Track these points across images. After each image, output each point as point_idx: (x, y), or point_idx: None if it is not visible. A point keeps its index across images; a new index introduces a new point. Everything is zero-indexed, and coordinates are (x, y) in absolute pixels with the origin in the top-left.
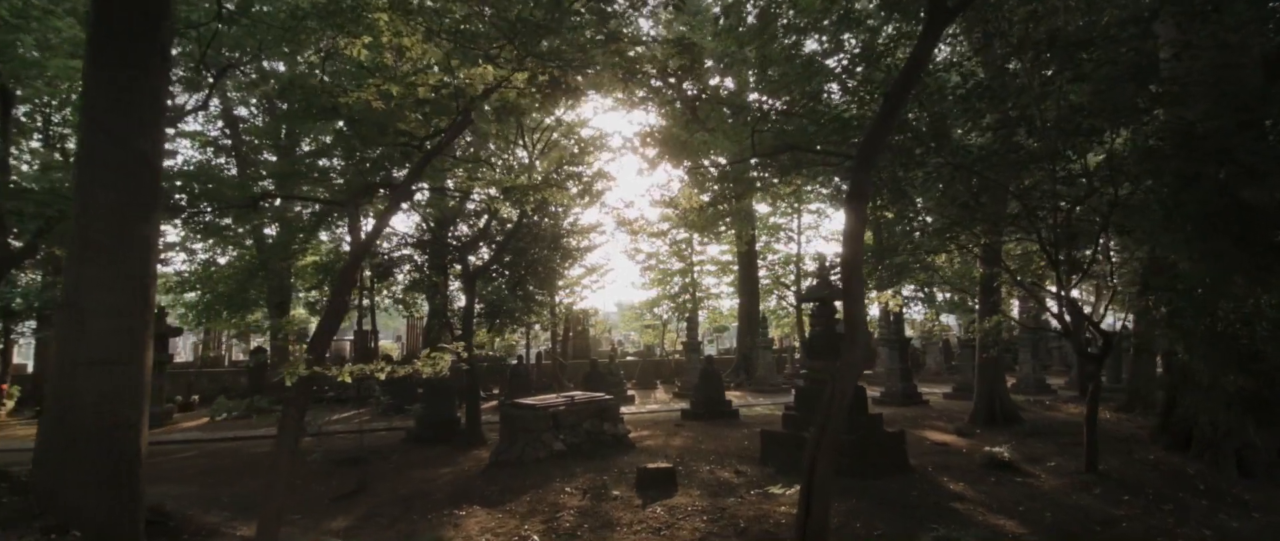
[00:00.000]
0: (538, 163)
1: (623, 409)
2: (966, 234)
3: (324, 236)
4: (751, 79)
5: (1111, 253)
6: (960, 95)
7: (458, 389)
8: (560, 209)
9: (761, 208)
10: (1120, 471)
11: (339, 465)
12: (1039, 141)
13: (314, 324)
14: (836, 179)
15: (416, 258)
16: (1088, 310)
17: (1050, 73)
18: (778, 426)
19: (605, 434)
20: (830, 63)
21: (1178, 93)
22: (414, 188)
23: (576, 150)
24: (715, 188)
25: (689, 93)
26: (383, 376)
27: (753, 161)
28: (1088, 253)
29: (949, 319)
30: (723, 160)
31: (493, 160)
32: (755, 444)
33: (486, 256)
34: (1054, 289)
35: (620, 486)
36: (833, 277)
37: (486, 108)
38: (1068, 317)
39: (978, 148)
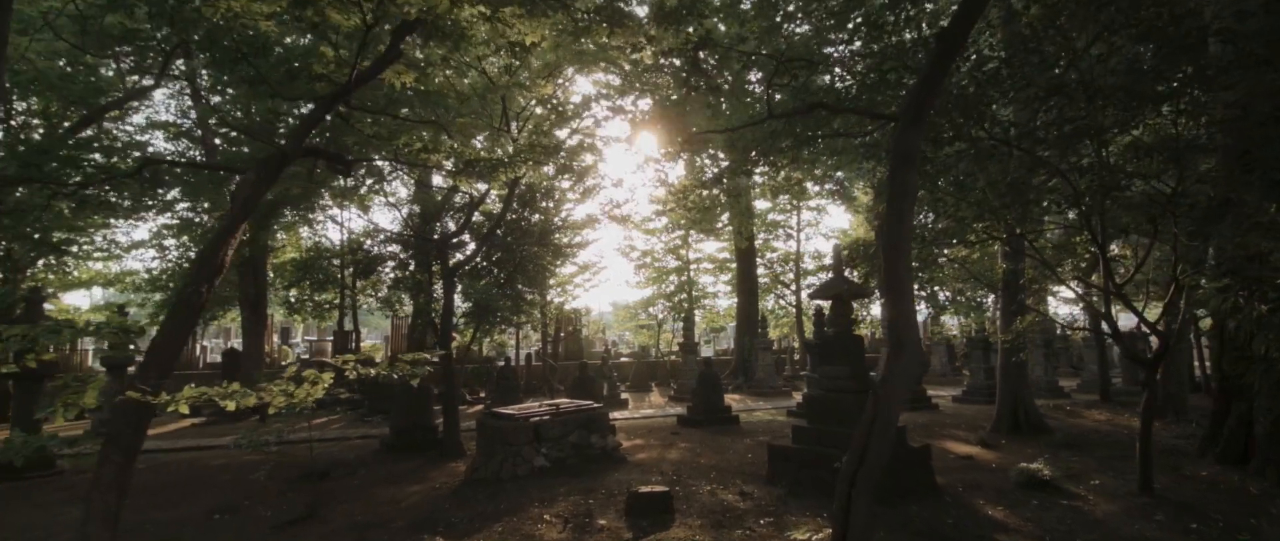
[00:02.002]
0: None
1: (615, 414)
2: (998, 223)
3: (305, 232)
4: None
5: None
6: (1004, 58)
7: (437, 394)
8: (551, 204)
9: (760, 203)
10: (1175, 490)
11: (295, 482)
12: (1098, 107)
13: (306, 326)
14: (840, 174)
15: (401, 254)
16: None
17: (1097, 35)
18: (784, 437)
19: (593, 447)
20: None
21: (1264, 53)
22: (350, 158)
23: (555, 108)
24: (717, 167)
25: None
26: (233, 407)
27: (764, 130)
28: (1144, 241)
29: (948, 319)
30: (723, 153)
31: (473, 141)
32: (759, 456)
33: (470, 249)
34: (1092, 286)
35: (607, 513)
36: (848, 271)
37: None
38: (1113, 318)
39: (1022, 122)
